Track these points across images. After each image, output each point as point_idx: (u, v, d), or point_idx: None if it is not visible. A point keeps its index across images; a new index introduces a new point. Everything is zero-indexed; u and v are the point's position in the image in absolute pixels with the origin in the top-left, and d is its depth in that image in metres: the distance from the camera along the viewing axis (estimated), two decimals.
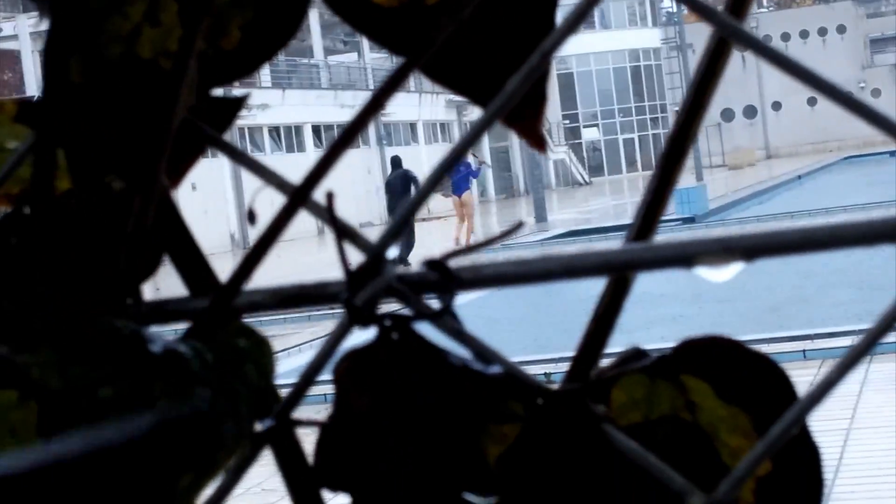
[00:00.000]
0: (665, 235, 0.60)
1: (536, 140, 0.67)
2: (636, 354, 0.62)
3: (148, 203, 0.60)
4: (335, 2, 0.65)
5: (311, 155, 48.04)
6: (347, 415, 0.59)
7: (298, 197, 0.60)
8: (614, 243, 0.61)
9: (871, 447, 8.49)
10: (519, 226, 0.62)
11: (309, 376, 0.60)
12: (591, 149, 73.34)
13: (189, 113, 0.62)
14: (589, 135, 73.16)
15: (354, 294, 0.58)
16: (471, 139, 0.60)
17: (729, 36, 0.57)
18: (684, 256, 0.57)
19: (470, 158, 32.03)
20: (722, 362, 0.61)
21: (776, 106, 75.68)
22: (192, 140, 0.63)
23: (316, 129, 50.17)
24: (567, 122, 71.32)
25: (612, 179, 69.13)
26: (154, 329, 0.58)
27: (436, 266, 0.59)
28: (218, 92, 0.64)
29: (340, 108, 50.99)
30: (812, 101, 74.12)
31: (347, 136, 0.60)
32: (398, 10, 0.65)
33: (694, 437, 0.62)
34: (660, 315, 15.15)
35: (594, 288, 0.63)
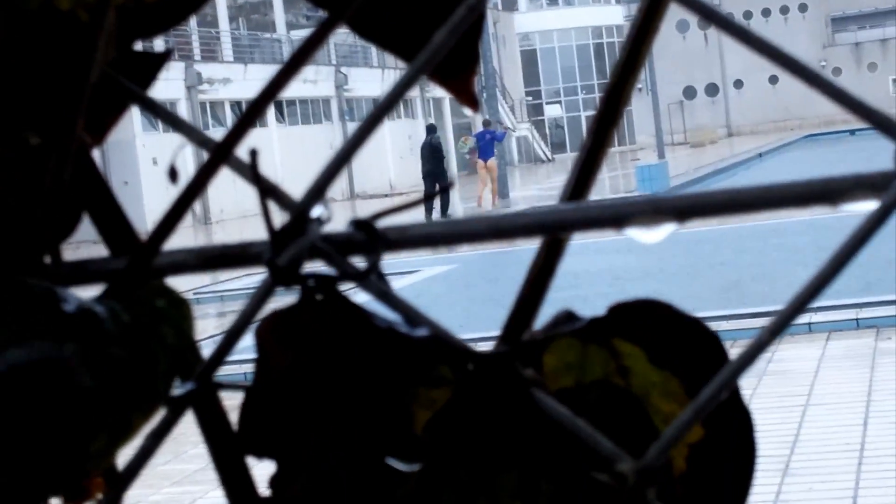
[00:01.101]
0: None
1: (468, 98, 0.66)
2: (568, 317, 0.60)
3: (65, 160, 0.59)
4: None
5: (274, 130, 47.88)
6: (270, 378, 0.58)
7: (220, 153, 0.58)
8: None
9: (827, 423, 8.53)
10: (449, 186, 0.60)
11: (231, 338, 0.58)
12: (554, 126, 73.36)
13: (110, 67, 0.60)
14: (552, 111, 73.17)
15: (277, 254, 0.57)
16: (397, 94, 0.58)
17: (693, 10, 0.55)
18: (615, 217, 0.56)
19: (496, 126, 34.23)
20: (654, 326, 0.60)
21: (738, 84, 75.88)
22: (114, 96, 0.61)
23: (278, 105, 49.94)
24: (530, 98, 71.33)
25: (575, 156, 69.11)
26: (72, 289, 0.57)
27: (362, 226, 0.58)
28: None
29: (303, 84, 50.80)
30: (773, 80, 74.35)
31: (268, 95, 0.58)
32: None
33: (626, 402, 0.60)
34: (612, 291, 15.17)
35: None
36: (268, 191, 0.58)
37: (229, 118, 46.70)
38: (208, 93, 44.59)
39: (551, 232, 0.58)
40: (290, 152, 45.30)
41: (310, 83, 50.87)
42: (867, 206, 0.54)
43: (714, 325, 0.62)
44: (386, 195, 48.38)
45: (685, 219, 0.56)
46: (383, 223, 0.58)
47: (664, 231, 0.57)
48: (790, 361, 10.42)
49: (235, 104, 47.05)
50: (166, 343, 0.56)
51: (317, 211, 0.58)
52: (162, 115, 0.61)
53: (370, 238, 0.57)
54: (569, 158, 65.87)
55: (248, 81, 46.59)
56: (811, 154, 46.59)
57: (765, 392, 9.38)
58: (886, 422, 8.44)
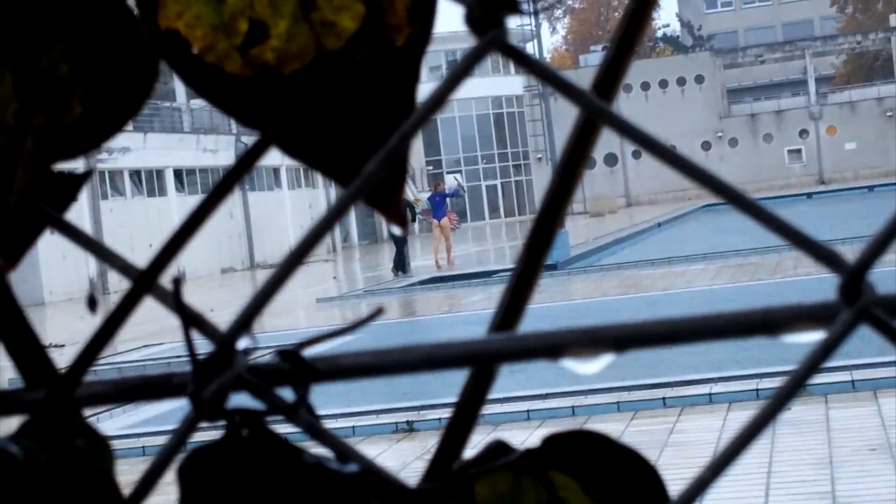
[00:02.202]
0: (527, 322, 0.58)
1: (396, 218, 0.64)
2: (500, 447, 0.59)
3: None
4: (187, 74, 0.62)
5: (173, 199, 47.58)
6: None
7: (144, 282, 0.56)
8: (477, 335, 0.58)
9: (729, 494, 8.58)
10: (377, 313, 0.59)
11: (152, 476, 0.56)
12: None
13: (27, 190, 0.58)
14: (451, 182, 73.49)
15: (202, 387, 0.55)
16: (332, 219, 0.57)
17: (596, 116, 0.54)
18: (552, 347, 0.55)
19: (450, 183, 37.56)
20: (589, 457, 0.58)
21: (636, 154, 76.69)
22: (31, 219, 0.59)
23: (178, 174, 49.69)
24: (430, 168, 71.58)
25: (475, 226, 69.47)
26: None
27: (289, 357, 0.56)
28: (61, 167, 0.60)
29: (203, 153, 50.60)
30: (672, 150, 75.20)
31: (197, 217, 0.56)
32: (252, 80, 0.62)
33: None
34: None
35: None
36: (191, 319, 0.56)
37: (128, 187, 46.36)
38: (107, 162, 44.24)
39: (486, 362, 0.57)
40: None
41: (209, 152, 50.69)
42: (809, 337, 0.53)
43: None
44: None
45: (623, 349, 0.55)
46: (310, 353, 0.57)
47: (602, 361, 0.55)
48: (691, 432, 10.47)
49: (135, 173, 46.73)
50: (86, 484, 0.53)
51: (243, 342, 0.56)
52: (83, 241, 0.59)
53: (298, 369, 0.55)
54: (469, 228, 66.16)
55: (148, 150, 46.35)
56: (709, 224, 47.13)
57: (666, 463, 9.41)
58: (787, 493, 8.50)
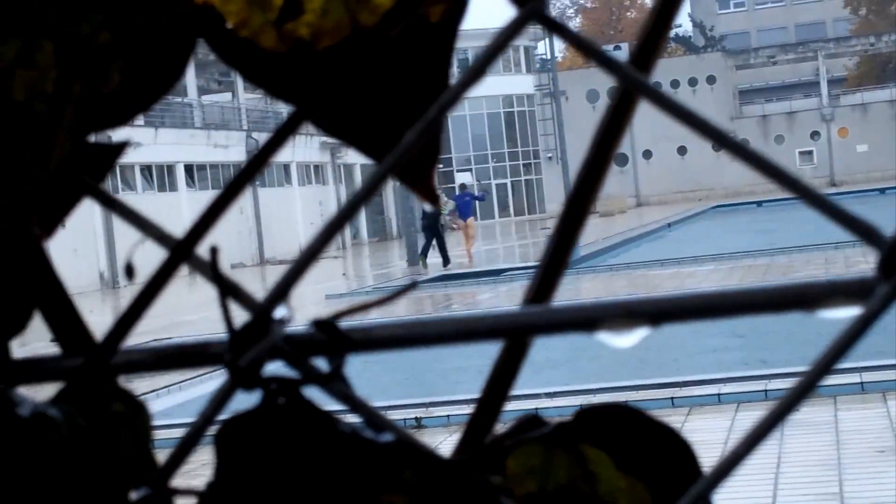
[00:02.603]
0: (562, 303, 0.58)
1: (429, 195, 0.64)
2: (533, 421, 0.59)
3: (18, 254, 0.57)
4: (221, 48, 0.62)
5: (184, 195, 47.61)
6: (230, 485, 0.56)
7: (180, 251, 0.56)
8: (512, 307, 0.58)
9: (737, 495, 8.57)
10: (412, 286, 0.59)
11: (188, 442, 0.56)
12: None
13: (66, 160, 0.58)
14: (462, 179, 73.47)
15: (238, 355, 0.55)
16: (367, 193, 0.57)
17: (633, 89, 0.54)
18: (587, 320, 0.55)
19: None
20: (622, 431, 0.58)
21: (647, 154, 76.67)
22: (68, 188, 0.59)
23: (188, 169, 49.73)
24: (441, 166, 71.43)
25: (485, 224, 69.46)
26: (24, 390, 0.54)
27: (325, 327, 0.56)
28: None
29: (213, 148, 50.62)
30: (682, 151, 75.23)
31: (233, 190, 0.57)
32: (286, 55, 0.62)
33: None
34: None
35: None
36: (228, 289, 0.56)
37: (139, 182, 46.39)
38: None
39: (520, 335, 0.57)
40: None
41: (220, 148, 50.72)
42: (845, 313, 0.53)
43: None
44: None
45: (658, 322, 0.55)
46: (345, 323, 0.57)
47: (637, 335, 0.56)
48: (700, 432, 10.46)
49: (145, 168, 46.77)
50: (124, 448, 0.54)
51: (279, 311, 0.56)
52: (118, 208, 0.59)
53: (333, 339, 0.56)
54: (479, 225, 66.15)
55: (159, 146, 46.37)
56: (719, 225, 47.10)
57: None
58: (796, 493, 8.50)
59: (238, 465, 0.55)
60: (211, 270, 0.56)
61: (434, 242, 34.92)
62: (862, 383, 11.62)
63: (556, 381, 12.47)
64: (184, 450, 0.56)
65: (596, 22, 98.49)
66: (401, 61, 0.63)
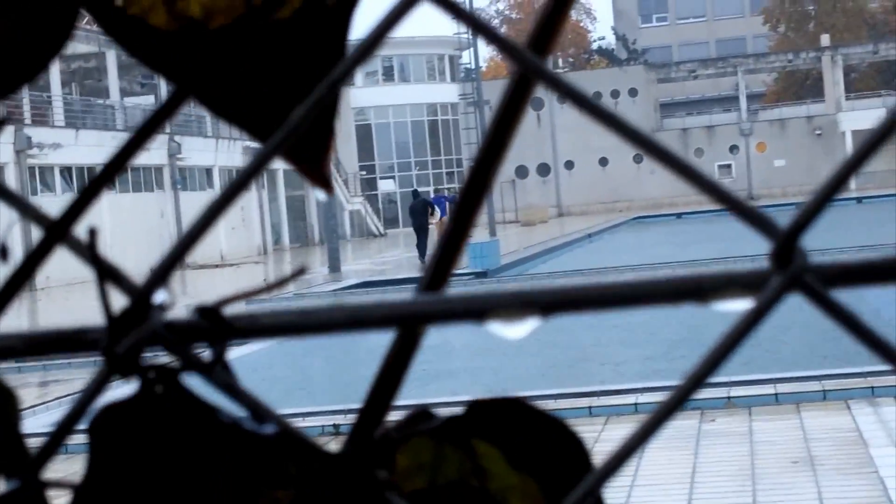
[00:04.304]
0: (457, 289, 0.56)
1: (321, 180, 0.62)
2: (423, 415, 0.57)
3: None
4: (109, 23, 0.60)
5: (104, 197, 47.13)
6: (104, 476, 0.53)
7: (56, 232, 0.54)
8: (405, 294, 0.56)
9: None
10: (301, 272, 0.57)
11: (61, 431, 0.54)
12: (387, 201, 73.64)
13: None
14: (385, 186, 73.48)
15: (116, 341, 0.53)
16: (252, 172, 0.55)
17: (531, 73, 0.53)
18: (478, 309, 0.53)
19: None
20: (513, 425, 0.57)
21: (569, 165, 76.94)
22: None
23: None
24: (364, 173, 71.49)
25: (407, 231, 69.46)
26: None
27: (208, 314, 0.54)
28: None
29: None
30: (603, 162, 75.61)
31: (111, 170, 0.54)
32: (176, 34, 0.60)
33: None
34: (444, 369, 15.16)
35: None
36: (107, 273, 0.54)
37: (58, 184, 45.92)
38: (38, 157, 43.79)
39: (411, 323, 0.55)
40: (120, 220, 44.56)
41: (143, 151, 50.27)
42: (739, 305, 0.52)
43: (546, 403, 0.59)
44: (217, 265, 47.90)
45: (551, 313, 0.53)
46: (229, 310, 0.55)
47: (528, 325, 0.54)
48: (616, 442, 10.49)
49: (65, 169, 46.28)
50: None
51: (159, 296, 0.54)
52: None
53: (216, 326, 0.54)
54: (401, 233, 66.10)
55: (80, 147, 45.90)
56: (639, 236, 47.36)
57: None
58: (711, 503, 8.54)
59: (113, 455, 0.53)
60: (89, 252, 0.53)
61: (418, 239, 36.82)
62: (776, 394, 11.73)
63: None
64: (57, 439, 0.54)
65: (520, 32, 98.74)
66: (294, 43, 0.61)
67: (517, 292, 0.53)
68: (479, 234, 41.46)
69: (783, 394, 11.76)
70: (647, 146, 0.53)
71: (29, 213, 0.56)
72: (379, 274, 33.97)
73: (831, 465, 9.31)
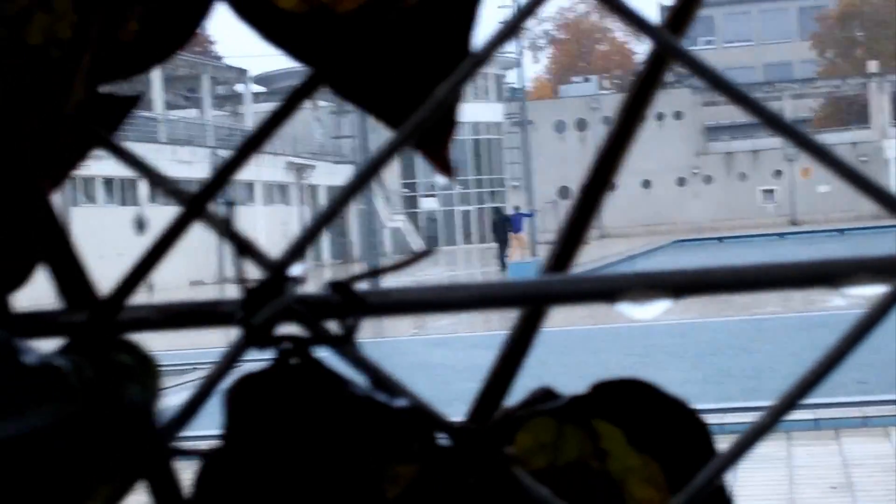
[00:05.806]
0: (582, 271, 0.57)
1: (443, 164, 0.63)
2: (546, 394, 0.58)
3: (24, 206, 0.55)
4: (240, 7, 0.61)
5: (147, 209, 47.38)
6: (237, 445, 0.54)
7: (195, 207, 0.55)
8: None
9: None
10: (426, 253, 0.58)
11: (196, 401, 0.55)
12: (428, 219, 73.70)
13: (76, 109, 0.57)
14: (427, 204, 73.53)
15: (251, 314, 0.54)
16: (380, 162, 0.56)
17: (667, 52, 0.54)
18: (607, 290, 0.54)
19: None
20: (636, 407, 0.57)
21: (611, 186, 76.69)
22: (78, 139, 0.58)
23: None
24: (406, 190, 71.58)
25: (448, 250, 69.45)
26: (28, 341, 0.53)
27: (340, 289, 0.55)
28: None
29: (178, 164, 50.44)
30: (646, 184, 75.46)
31: (254, 142, 0.55)
32: (306, 16, 0.61)
33: (602, 486, 0.58)
34: None
35: None
36: (243, 247, 0.55)
37: (101, 195, 46.14)
38: (80, 168, 43.91)
39: (540, 303, 0.56)
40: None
41: (185, 164, 50.55)
42: (870, 291, 0.52)
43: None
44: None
45: (680, 295, 0.54)
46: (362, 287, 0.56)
47: (658, 307, 0.55)
48: None
49: (107, 181, 46.50)
50: (132, 401, 0.52)
51: (295, 270, 0.55)
52: (129, 160, 0.58)
53: (348, 301, 0.54)
54: (442, 252, 66.08)
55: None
56: (680, 259, 47.22)
57: None
58: None
59: (247, 423, 0.54)
60: (225, 225, 0.54)
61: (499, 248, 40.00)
62: (816, 420, 11.66)
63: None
64: (192, 407, 0.55)
65: (567, 53, 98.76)
66: (421, 29, 0.62)
67: (647, 274, 0.53)
68: (520, 255, 41.56)
69: (823, 419, 11.69)
70: (797, 138, 0.54)
71: (166, 186, 0.56)
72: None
73: (870, 492, 9.25)
